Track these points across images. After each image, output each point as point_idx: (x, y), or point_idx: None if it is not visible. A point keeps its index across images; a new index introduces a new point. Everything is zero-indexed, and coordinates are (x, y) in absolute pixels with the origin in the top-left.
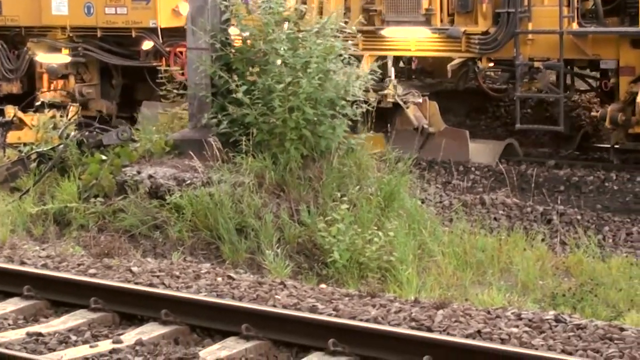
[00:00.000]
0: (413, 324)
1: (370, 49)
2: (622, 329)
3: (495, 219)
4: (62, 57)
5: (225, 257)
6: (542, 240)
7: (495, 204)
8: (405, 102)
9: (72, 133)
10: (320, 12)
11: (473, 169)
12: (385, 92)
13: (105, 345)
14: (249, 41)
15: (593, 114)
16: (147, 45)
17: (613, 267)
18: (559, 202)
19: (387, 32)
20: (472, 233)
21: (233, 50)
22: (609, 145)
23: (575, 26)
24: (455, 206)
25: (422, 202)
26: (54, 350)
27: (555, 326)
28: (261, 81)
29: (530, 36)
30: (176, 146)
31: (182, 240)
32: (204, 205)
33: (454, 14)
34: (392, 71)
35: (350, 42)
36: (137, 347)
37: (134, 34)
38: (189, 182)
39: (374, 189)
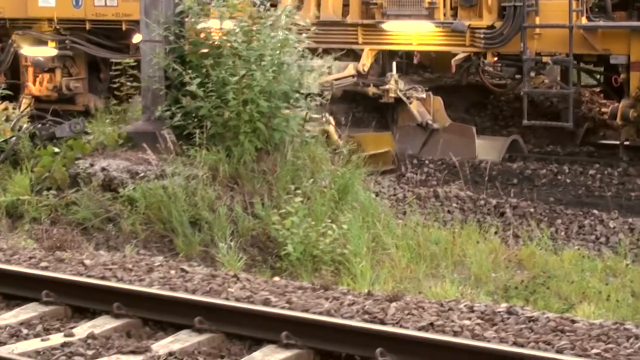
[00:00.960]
0: (366, 316)
1: (370, 43)
2: (573, 321)
3: (448, 212)
4: (49, 50)
5: (179, 250)
6: (495, 233)
7: (449, 197)
8: (408, 98)
9: (25, 125)
10: (318, 6)
11: (427, 162)
12: (387, 87)
13: (57, 339)
14: (202, 34)
15: (604, 110)
16: (137, 38)
17: (565, 260)
18: (512, 195)
19: (388, 25)
20: (425, 226)
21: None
22: (610, 142)
23: (584, 20)
24: (409, 199)
25: (376, 195)
26: (5, 343)
27: (508, 318)
28: (215, 74)
29: (537, 30)
30: (130, 139)
31: (136, 233)
32: (158, 198)
33: (456, 8)
34: (393, 66)
35: (304, 35)
36: (89, 341)
37: (124, 26)
38: (142, 174)
39: (328, 182)
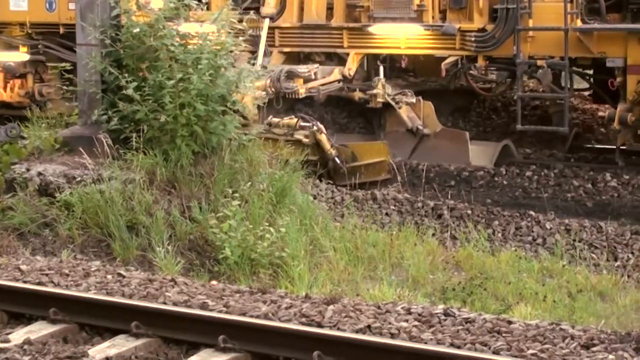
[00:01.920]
0: (303, 319)
1: (356, 47)
2: (510, 322)
3: (386, 214)
4: (20, 55)
5: (116, 254)
6: (433, 234)
7: (386, 199)
8: (397, 103)
9: None
10: (301, 9)
11: None
12: (375, 91)
13: None
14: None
15: (601, 114)
16: None
17: (502, 261)
18: (449, 196)
19: (376, 29)
20: (363, 228)
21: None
22: (598, 146)
23: (579, 23)
24: (347, 202)
25: (314, 198)
26: None
27: (445, 320)
28: (152, 77)
29: (530, 33)
30: (66, 143)
31: (72, 238)
32: (95, 203)
33: (445, 10)
34: (380, 70)
35: (241, 38)
36: (25, 347)
37: None
38: (79, 179)
39: (265, 185)
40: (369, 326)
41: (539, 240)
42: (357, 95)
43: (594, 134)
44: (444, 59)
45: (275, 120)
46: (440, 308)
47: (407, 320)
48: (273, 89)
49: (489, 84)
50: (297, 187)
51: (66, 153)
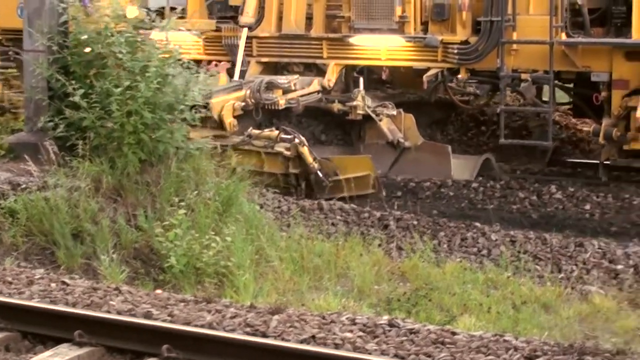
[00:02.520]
0: (248, 329)
1: (336, 58)
2: (454, 333)
3: (332, 224)
4: None
5: (61, 262)
6: (379, 245)
7: (333, 209)
8: (377, 115)
9: None
10: (280, 19)
11: None
12: (354, 103)
13: None
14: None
15: (586, 129)
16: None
17: (447, 272)
18: (396, 207)
19: (356, 40)
20: (309, 238)
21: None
22: (578, 160)
23: (563, 36)
24: (293, 211)
25: (261, 207)
26: None
27: (389, 331)
28: (99, 85)
29: (514, 46)
30: (11, 150)
31: (16, 245)
32: (39, 210)
33: (427, 22)
34: (360, 82)
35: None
36: None
37: None
38: (24, 186)
39: (212, 194)
40: (313, 336)
41: (484, 252)
42: (336, 106)
43: (575, 149)
44: (423, 70)
45: (256, 132)
46: (385, 319)
47: (351, 331)
48: (253, 100)
49: (468, 96)
50: (243, 197)
51: (11, 160)
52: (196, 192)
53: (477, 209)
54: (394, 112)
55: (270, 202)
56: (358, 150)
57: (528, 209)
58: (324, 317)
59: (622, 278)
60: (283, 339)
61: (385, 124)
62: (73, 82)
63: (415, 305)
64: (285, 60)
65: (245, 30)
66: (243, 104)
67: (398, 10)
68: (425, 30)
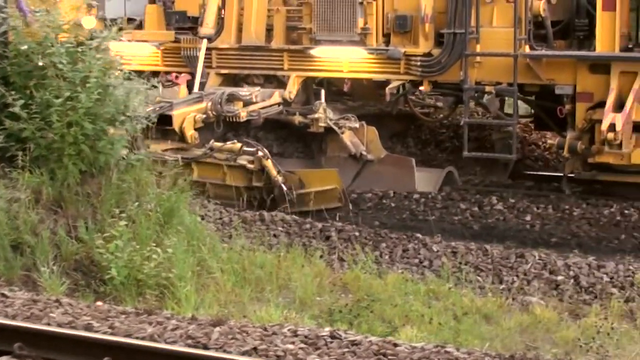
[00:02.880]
0: (189, 341)
1: (297, 70)
2: (395, 345)
3: (274, 235)
4: None
5: (0, 274)
6: (321, 256)
7: (274, 220)
8: (340, 127)
9: None
10: (240, 30)
11: None
12: (316, 116)
13: None
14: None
15: (550, 141)
16: None
17: (389, 283)
18: (337, 218)
19: (318, 52)
20: (251, 249)
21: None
22: (540, 173)
23: (527, 49)
24: (235, 223)
25: (202, 219)
26: None
27: (331, 342)
28: (39, 95)
29: (478, 59)
30: None
31: None
32: None
33: (389, 34)
34: (322, 94)
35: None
36: None
37: None
38: None
39: (153, 205)
40: (255, 348)
41: (426, 263)
42: (297, 119)
43: (536, 162)
44: (383, 82)
45: (217, 144)
46: (326, 330)
47: (293, 343)
48: (214, 112)
49: (428, 109)
50: (185, 208)
51: None
52: (137, 203)
53: (419, 220)
54: (357, 125)
55: (212, 214)
56: (319, 163)
57: (469, 220)
58: (265, 329)
59: (563, 289)
60: (224, 351)
61: (347, 137)
62: (13, 92)
63: (357, 317)
64: (246, 72)
65: (205, 41)
66: (204, 116)
67: (360, 22)
68: (387, 42)
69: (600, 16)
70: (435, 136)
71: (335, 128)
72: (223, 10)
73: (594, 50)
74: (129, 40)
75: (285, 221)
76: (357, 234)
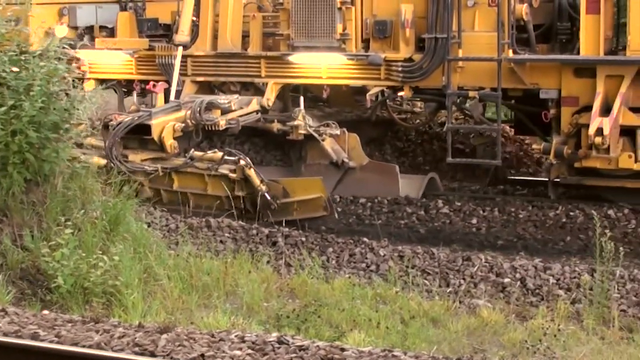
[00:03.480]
0: (137, 349)
1: (274, 76)
2: (343, 349)
3: (221, 241)
4: None
5: None
6: (268, 262)
7: (221, 226)
8: (320, 134)
9: None
10: (215, 37)
11: None
12: (296, 123)
13: None
14: None
15: (535, 146)
16: None
17: (336, 288)
18: (284, 224)
19: (296, 58)
20: (198, 256)
21: None
22: (520, 178)
23: (510, 53)
24: (182, 229)
25: (148, 226)
26: None
27: (278, 348)
28: None
29: (460, 63)
30: None
31: None
32: None
33: (368, 40)
34: (301, 101)
35: (74, 64)
36: None
37: None
38: None
39: (99, 213)
40: (202, 355)
41: (373, 267)
42: (276, 126)
43: (518, 167)
44: (360, 88)
45: (198, 153)
46: (274, 336)
47: (241, 349)
48: (193, 121)
49: (405, 114)
50: (131, 215)
51: None
52: (83, 211)
53: (365, 225)
54: (338, 132)
55: (158, 221)
56: (299, 171)
57: (416, 223)
58: (213, 336)
59: (509, 291)
60: (172, 358)
61: (328, 144)
62: None
63: (304, 322)
64: (222, 79)
65: (181, 49)
66: (183, 125)
67: (339, 28)
68: (367, 48)
69: (584, 19)
70: (413, 142)
71: (316, 135)
72: (196, 18)
73: (577, 53)
74: (101, 49)
75: (232, 227)
76: (303, 239)
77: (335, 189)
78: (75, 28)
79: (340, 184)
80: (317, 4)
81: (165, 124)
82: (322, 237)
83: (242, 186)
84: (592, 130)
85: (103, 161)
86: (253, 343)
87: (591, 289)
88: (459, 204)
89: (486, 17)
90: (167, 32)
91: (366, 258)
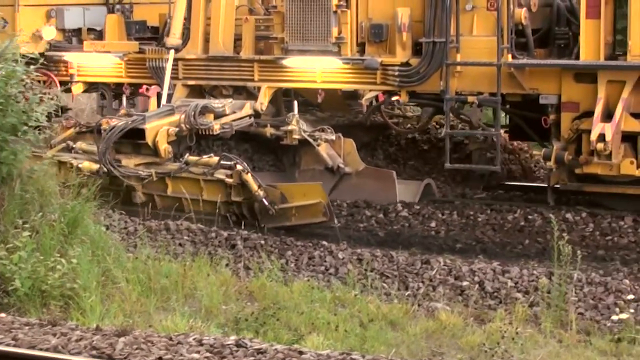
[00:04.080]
0: (94, 352)
1: (268, 80)
2: (301, 353)
3: (180, 244)
4: None
5: None
6: (227, 265)
7: (180, 229)
8: (315, 140)
9: None
10: (207, 40)
11: None
12: (290, 128)
13: None
14: None
15: (535, 152)
16: None
17: (295, 291)
18: (243, 227)
19: (290, 62)
20: (156, 259)
21: None
22: (516, 184)
23: (510, 58)
24: (140, 232)
25: (107, 229)
26: None
27: (236, 351)
28: None
29: (458, 68)
30: None
31: None
32: None
33: (363, 44)
34: (295, 105)
35: (32, 67)
36: None
37: None
38: None
39: (57, 216)
40: (160, 358)
41: (332, 270)
42: (269, 131)
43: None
44: (351, 93)
45: (193, 158)
46: (232, 339)
47: (199, 352)
48: (187, 125)
49: (397, 118)
50: (89, 218)
51: None
52: (41, 213)
53: (325, 228)
54: (333, 137)
55: (117, 223)
56: (292, 176)
57: (375, 227)
58: (171, 339)
59: (468, 294)
60: None
61: (324, 149)
62: None
63: (263, 325)
64: (214, 83)
65: (172, 52)
66: (177, 129)
67: (334, 32)
68: (362, 52)
69: (584, 24)
70: (403, 147)
71: (311, 140)
72: (187, 20)
73: (576, 58)
74: (90, 51)
75: (190, 230)
76: (262, 242)
77: (330, 195)
78: (63, 30)
79: (335, 189)
80: (313, 7)
81: (159, 128)
82: (281, 240)
83: (238, 191)
84: (594, 136)
85: (95, 166)
86: (211, 346)
87: (549, 292)
88: (417, 207)
89: (484, 21)
90: (155, 34)
91: (325, 261)
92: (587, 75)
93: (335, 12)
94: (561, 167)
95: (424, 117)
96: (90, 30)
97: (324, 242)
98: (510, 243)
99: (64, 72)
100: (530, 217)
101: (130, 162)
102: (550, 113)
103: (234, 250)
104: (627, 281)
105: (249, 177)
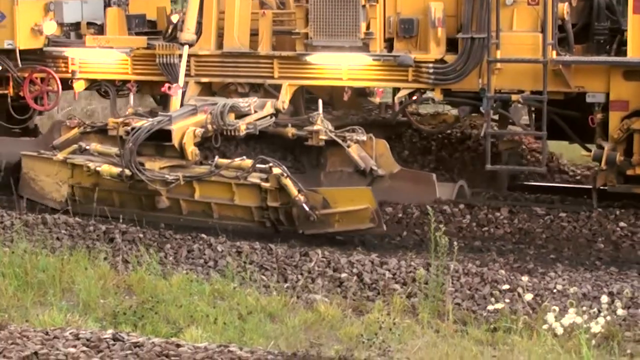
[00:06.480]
0: None
1: (289, 78)
2: (178, 345)
3: (57, 238)
4: None
5: None
6: (105, 258)
7: (57, 223)
8: (344, 140)
9: None
10: (220, 35)
11: None
12: (315, 128)
13: None
14: None
15: (583, 153)
16: None
17: (174, 284)
18: (121, 220)
19: (315, 58)
20: (33, 253)
21: None
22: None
23: (554, 54)
24: (17, 226)
25: None
26: None
27: (113, 345)
28: None
29: (498, 65)
30: None
31: None
32: None
33: (391, 39)
34: (319, 104)
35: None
36: None
37: None
38: None
39: None
40: (35, 352)
41: (211, 263)
42: (291, 131)
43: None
44: (362, 90)
45: (223, 161)
46: (109, 333)
47: (75, 346)
48: (214, 126)
49: (413, 117)
50: None
51: None
52: None
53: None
54: (364, 138)
55: None
56: (316, 178)
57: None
58: (47, 333)
59: (347, 286)
60: (5, 357)
61: (354, 151)
62: None
63: (141, 318)
64: (229, 80)
65: (187, 48)
66: (203, 130)
67: (363, 27)
68: (390, 48)
69: (632, 20)
70: (419, 145)
71: (340, 141)
72: (198, 14)
73: (615, 54)
74: (92, 47)
75: (68, 224)
76: (141, 235)
77: None
78: (62, 24)
79: None
80: (340, 1)
81: (186, 129)
82: (160, 234)
83: (275, 196)
84: None
85: (116, 169)
86: (88, 340)
87: (426, 283)
88: None
89: (525, 16)
90: (152, 29)
91: (204, 254)
92: (637, 72)
93: (364, 6)
94: (612, 168)
95: (461, 115)
96: (89, 24)
97: (204, 235)
98: (389, 235)
99: (64, 69)
100: (408, 209)
101: (154, 165)
102: (596, 112)
103: (113, 244)
104: (502, 272)
105: (287, 182)
